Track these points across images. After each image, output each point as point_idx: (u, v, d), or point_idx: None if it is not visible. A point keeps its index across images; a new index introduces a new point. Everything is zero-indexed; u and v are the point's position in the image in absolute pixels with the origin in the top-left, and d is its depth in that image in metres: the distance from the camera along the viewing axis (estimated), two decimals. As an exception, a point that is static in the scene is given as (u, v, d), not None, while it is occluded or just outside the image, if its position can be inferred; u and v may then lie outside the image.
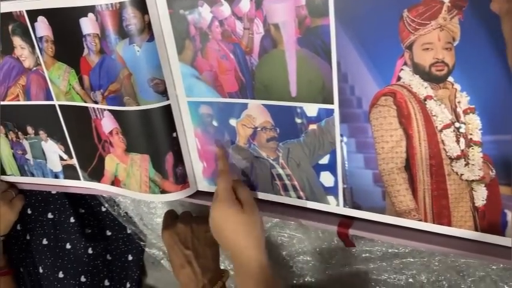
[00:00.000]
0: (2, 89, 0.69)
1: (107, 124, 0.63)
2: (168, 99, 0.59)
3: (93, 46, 0.57)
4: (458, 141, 0.45)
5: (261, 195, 0.61)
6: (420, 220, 0.51)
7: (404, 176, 0.50)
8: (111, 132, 0.63)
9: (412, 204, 0.51)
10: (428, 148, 0.47)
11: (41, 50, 0.63)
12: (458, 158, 0.46)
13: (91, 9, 0.54)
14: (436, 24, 0.42)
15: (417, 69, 0.45)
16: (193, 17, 0.53)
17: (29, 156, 0.75)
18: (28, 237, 0.86)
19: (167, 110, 0.59)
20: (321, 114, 0.52)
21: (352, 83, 0.48)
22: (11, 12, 0.62)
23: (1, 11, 0.62)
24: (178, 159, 0.63)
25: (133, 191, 0.67)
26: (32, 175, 0.77)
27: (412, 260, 0.62)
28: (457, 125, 0.45)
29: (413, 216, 0.51)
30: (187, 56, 0.56)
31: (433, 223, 0.50)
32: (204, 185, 0.66)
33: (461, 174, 0.47)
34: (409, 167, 0.49)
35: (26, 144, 0.74)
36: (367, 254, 0.64)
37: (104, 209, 0.82)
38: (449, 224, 0.50)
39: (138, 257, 0.85)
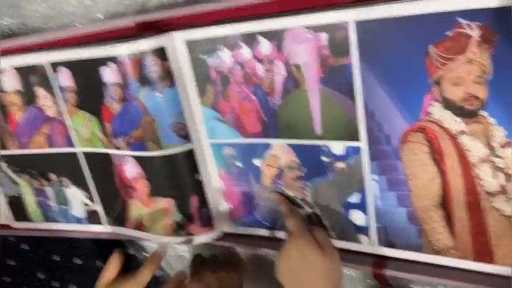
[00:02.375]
0: (26, 138, 0.70)
1: (131, 170, 0.63)
2: (191, 142, 0.58)
3: (115, 94, 0.58)
4: (496, 176, 0.44)
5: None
6: (460, 258, 0.49)
7: (440, 213, 0.48)
8: (134, 178, 0.63)
9: (450, 241, 0.49)
10: (464, 184, 0.46)
11: (63, 99, 0.63)
12: (497, 193, 0.44)
13: (112, 59, 0.55)
14: (465, 59, 0.41)
15: (447, 104, 0.43)
16: (213, 61, 0.53)
17: (52, 202, 0.75)
18: (57, 285, 0.85)
19: (190, 153, 0.59)
20: (349, 152, 0.51)
21: (380, 120, 0.47)
22: (34, 64, 0.63)
23: (26, 63, 0.63)
24: (203, 202, 0.62)
25: (159, 234, 0.66)
26: (56, 221, 0.77)
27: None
28: (493, 159, 0.43)
29: (452, 254, 0.49)
30: (209, 99, 0.56)
31: (474, 261, 0.48)
32: (230, 227, 0.64)
33: (502, 210, 0.45)
34: (444, 203, 0.47)
35: (49, 191, 0.74)
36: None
37: (132, 252, 0.81)
38: (492, 262, 0.47)
39: (164, 301, 0.83)
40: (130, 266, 0.83)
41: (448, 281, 0.49)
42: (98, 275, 0.81)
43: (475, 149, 0.44)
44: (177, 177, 0.60)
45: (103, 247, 0.82)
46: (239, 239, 0.64)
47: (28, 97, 0.66)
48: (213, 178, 0.61)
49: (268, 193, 0.59)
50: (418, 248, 0.51)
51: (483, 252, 0.48)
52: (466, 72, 0.41)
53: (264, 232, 0.62)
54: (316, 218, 0.56)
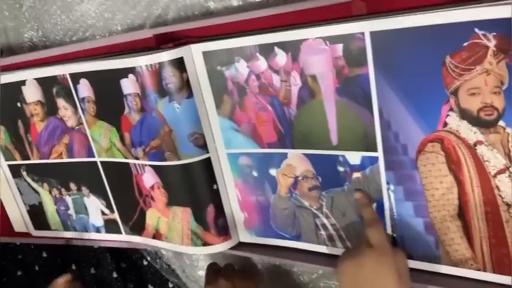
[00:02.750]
0: (47, 148, 0.71)
1: (148, 179, 0.64)
2: (208, 152, 0.59)
3: (134, 105, 0.59)
4: (515, 187, 0.43)
5: (306, 246, 0.60)
6: (479, 270, 0.48)
7: (458, 223, 0.48)
8: (152, 187, 0.64)
9: (468, 253, 0.48)
10: (482, 194, 0.45)
11: (83, 110, 0.65)
12: (516, 204, 0.44)
13: (131, 70, 0.56)
14: (482, 69, 0.41)
15: (464, 115, 0.43)
16: (230, 72, 0.54)
17: (71, 211, 0.76)
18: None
19: (207, 163, 0.60)
20: (365, 162, 0.51)
21: (396, 130, 0.47)
22: (55, 76, 0.64)
23: (47, 75, 0.64)
24: (220, 211, 0.63)
25: (175, 244, 0.67)
26: (75, 230, 0.78)
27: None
28: (512, 170, 0.43)
29: (470, 266, 0.49)
30: (226, 110, 0.57)
31: (493, 273, 0.48)
32: (245, 236, 0.65)
33: (522, 221, 0.44)
34: (462, 214, 0.47)
35: (68, 200, 0.75)
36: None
37: (145, 263, 0.82)
38: (511, 274, 0.47)
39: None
40: (146, 275, 0.83)
41: (467, 292, 0.49)
42: (112, 286, 0.82)
43: (493, 160, 0.44)
44: (194, 186, 0.61)
45: (117, 257, 0.83)
46: (255, 249, 0.64)
47: (49, 108, 0.68)
48: (229, 188, 0.62)
49: (285, 203, 0.59)
50: (436, 259, 0.50)
51: (503, 264, 0.47)
52: (483, 82, 0.41)
53: (279, 242, 0.62)
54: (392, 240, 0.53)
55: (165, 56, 0.54)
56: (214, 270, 0.68)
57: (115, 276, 0.82)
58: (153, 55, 0.54)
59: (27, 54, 0.67)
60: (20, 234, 0.83)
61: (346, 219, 0.55)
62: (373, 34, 0.44)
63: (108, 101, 0.62)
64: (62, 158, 0.71)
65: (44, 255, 0.86)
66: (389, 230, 0.52)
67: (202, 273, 0.76)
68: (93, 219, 0.75)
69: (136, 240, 0.72)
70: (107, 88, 0.60)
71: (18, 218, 0.81)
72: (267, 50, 0.51)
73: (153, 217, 0.67)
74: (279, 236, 0.61)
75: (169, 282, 0.81)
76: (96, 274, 0.83)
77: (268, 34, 0.50)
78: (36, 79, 0.67)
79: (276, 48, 0.50)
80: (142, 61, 0.55)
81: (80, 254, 0.84)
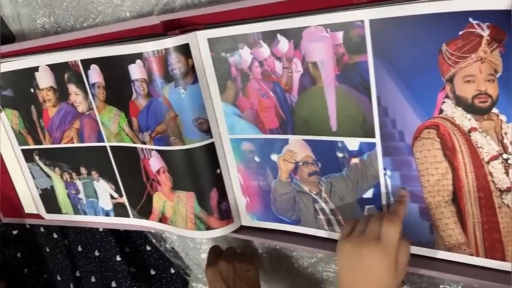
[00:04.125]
0: (58, 133, 0.73)
1: (155, 163, 0.65)
2: (211, 137, 0.61)
3: (141, 90, 0.60)
4: (507, 173, 0.44)
5: (305, 230, 0.61)
6: (471, 254, 0.49)
7: (452, 209, 0.49)
8: (158, 171, 0.66)
9: (461, 238, 0.49)
10: (476, 180, 0.46)
11: (93, 95, 0.67)
12: (508, 190, 0.45)
13: (139, 56, 0.58)
14: (477, 57, 0.42)
15: (459, 102, 0.44)
16: (234, 59, 0.56)
17: (81, 195, 0.78)
18: (78, 274, 0.88)
19: (211, 147, 0.61)
20: (363, 148, 0.52)
21: (393, 116, 0.48)
22: (67, 62, 0.66)
23: (59, 61, 0.66)
24: (223, 195, 0.64)
25: (180, 228, 0.68)
26: (85, 213, 0.80)
27: (465, 296, 0.59)
28: (505, 156, 0.44)
29: (464, 251, 0.50)
30: (229, 96, 0.58)
31: (486, 258, 0.49)
32: (247, 220, 0.66)
33: (513, 207, 0.45)
34: (456, 199, 0.48)
35: (79, 184, 0.77)
36: (418, 290, 0.62)
37: (148, 248, 0.83)
38: (503, 259, 0.48)
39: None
40: (149, 260, 0.86)
41: (460, 276, 0.50)
42: (115, 269, 0.83)
43: (487, 146, 0.45)
44: (198, 171, 0.62)
45: (121, 241, 0.85)
46: (256, 232, 0.65)
47: (61, 93, 0.70)
48: (232, 172, 0.63)
49: (285, 188, 0.60)
50: (430, 244, 0.52)
51: (495, 249, 0.48)
52: (478, 70, 0.42)
53: (279, 226, 0.63)
54: None
55: (171, 42, 0.55)
56: (215, 253, 0.70)
57: (118, 260, 0.83)
58: (159, 41, 0.56)
59: (39, 39, 0.69)
60: (31, 215, 0.85)
61: (344, 204, 0.56)
62: (372, 22, 0.46)
63: (117, 86, 0.63)
64: (73, 143, 0.73)
65: (55, 236, 0.88)
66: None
67: (205, 256, 0.78)
68: (103, 202, 0.76)
69: (144, 223, 0.74)
70: (116, 74, 0.62)
71: (30, 200, 0.83)
72: (270, 37, 0.52)
73: (159, 201, 0.69)
74: (279, 220, 0.63)
75: (172, 268, 0.83)
76: (100, 256, 0.85)
77: (271, 21, 0.51)
78: (49, 65, 0.68)
79: (278, 36, 0.52)
80: (149, 47, 0.56)
81: (86, 236, 0.86)
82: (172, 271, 0.84)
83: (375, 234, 0.47)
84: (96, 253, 0.86)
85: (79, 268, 0.88)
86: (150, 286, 0.85)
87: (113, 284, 0.85)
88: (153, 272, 0.86)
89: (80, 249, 0.87)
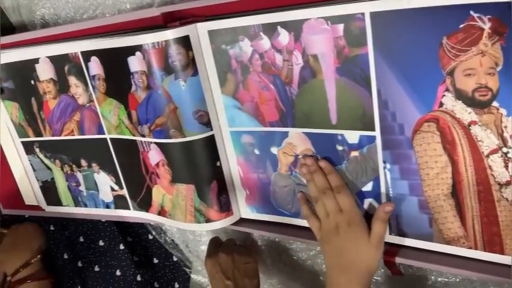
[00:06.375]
0: (59, 125, 0.73)
1: (154, 156, 0.65)
2: (211, 129, 0.61)
3: (141, 83, 0.60)
4: (507, 167, 0.44)
5: (304, 223, 0.61)
6: (470, 248, 0.50)
7: (452, 202, 0.49)
8: (157, 164, 0.66)
9: (460, 231, 0.49)
10: (475, 174, 0.46)
11: (93, 87, 0.67)
12: (507, 183, 0.45)
13: (138, 48, 0.58)
14: (477, 50, 0.41)
15: (460, 95, 0.44)
16: (234, 51, 0.55)
17: (82, 187, 0.78)
18: (80, 264, 0.89)
19: (211, 140, 0.61)
20: (363, 141, 0.52)
21: (393, 109, 0.48)
22: (67, 54, 0.66)
23: (59, 52, 0.66)
24: (222, 188, 0.64)
25: (179, 221, 0.68)
26: (85, 206, 0.80)
27: (463, 289, 0.60)
28: (504, 150, 0.44)
29: (462, 244, 0.50)
30: (229, 88, 0.58)
31: (484, 251, 0.49)
32: (246, 212, 0.66)
33: (512, 201, 0.45)
34: (456, 193, 0.48)
35: (79, 176, 0.77)
36: (416, 283, 0.62)
37: (150, 237, 0.84)
38: (501, 252, 0.48)
39: (184, 285, 0.86)
40: (152, 248, 0.86)
41: (459, 270, 0.50)
42: (119, 257, 0.84)
43: (487, 140, 0.44)
44: (198, 163, 0.62)
45: (124, 231, 0.85)
46: (255, 225, 0.66)
47: (61, 85, 0.70)
48: (232, 165, 0.63)
49: (285, 181, 0.60)
50: (429, 237, 0.52)
51: (494, 242, 0.48)
52: (478, 63, 0.42)
53: (279, 218, 0.64)
54: None
55: (172, 34, 0.55)
56: (215, 245, 0.70)
57: (122, 248, 0.84)
58: (159, 33, 0.55)
59: (39, 30, 0.69)
60: (31, 207, 0.85)
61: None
62: (373, 15, 0.45)
63: (117, 78, 0.63)
64: (73, 135, 0.73)
65: (52, 228, 0.88)
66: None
67: (205, 248, 0.78)
68: (103, 195, 0.77)
69: (143, 216, 0.74)
70: (116, 66, 0.62)
71: (30, 192, 0.83)
72: (270, 30, 0.52)
73: (158, 194, 0.69)
74: (279, 213, 0.63)
75: (174, 256, 0.84)
76: (104, 246, 0.86)
77: (271, 14, 0.51)
78: (49, 57, 0.68)
79: (279, 28, 0.51)
80: (148, 39, 0.56)
81: (89, 227, 0.87)
82: (175, 259, 0.84)
83: (335, 209, 0.54)
84: (101, 243, 0.86)
85: (81, 258, 0.88)
86: (154, 274, 0.86)
87: (117, 273, 0.85)
88: (155, 261, 0.86)
89: (82, 239, 0.87)
